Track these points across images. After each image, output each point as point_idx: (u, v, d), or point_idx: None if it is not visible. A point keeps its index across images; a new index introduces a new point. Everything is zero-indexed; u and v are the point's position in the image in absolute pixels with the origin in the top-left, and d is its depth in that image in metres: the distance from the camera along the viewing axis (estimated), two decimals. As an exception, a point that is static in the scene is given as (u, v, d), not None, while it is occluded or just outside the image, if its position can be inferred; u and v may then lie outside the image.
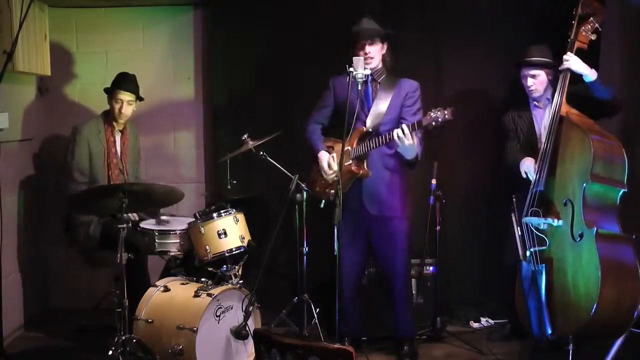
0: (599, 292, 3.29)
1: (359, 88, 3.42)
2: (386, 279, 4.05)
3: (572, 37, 3.71)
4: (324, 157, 3.96)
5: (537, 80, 3.96)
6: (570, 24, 3.72)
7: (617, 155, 3.52)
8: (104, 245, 4.15)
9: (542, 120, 4.01)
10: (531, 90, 3.99)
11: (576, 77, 3.72)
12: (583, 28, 3.70)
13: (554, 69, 3.88)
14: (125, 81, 4.29)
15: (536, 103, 4.04)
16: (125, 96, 4.27)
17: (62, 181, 4.35)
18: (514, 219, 3.73)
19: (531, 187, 3.68)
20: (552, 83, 3.95)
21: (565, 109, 3.66)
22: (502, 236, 4.01)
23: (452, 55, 4.66)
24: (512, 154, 4.07)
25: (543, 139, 3.93)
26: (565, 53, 3.70)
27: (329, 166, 3.93)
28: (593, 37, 3.72)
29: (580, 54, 3.70)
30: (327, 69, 4.11)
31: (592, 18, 3.70)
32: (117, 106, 4.27)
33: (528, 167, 3.86)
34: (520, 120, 4.07)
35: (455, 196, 4.53)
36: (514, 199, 3.74)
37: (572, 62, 3.67)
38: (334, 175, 3.87)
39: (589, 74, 3.69)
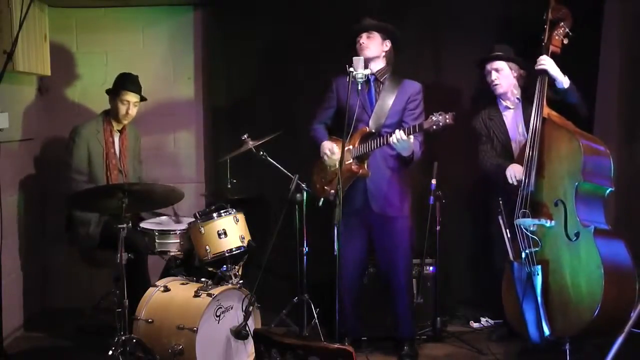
0: (603, 291, 3.28)
1: (359, 88, 3.40)
2: (387, 279, 4.05)
3: (545, 41, 3.74)
4: (326, 144, 3.99)
5: (500, 75, 3.96)
6: (543, 28, 3.75)
7: (604, 155, 3.54)
8: (104, 245, 4.15)
9: (515, 121, 4.01)
10: (495, 85, 3.98)
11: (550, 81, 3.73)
12: (556, 32, 3.75)
13: (520, 67, 3.92)
14: (130, 82, 4.29)
15: (505, 103, 4.03)
16: (132, 97, 4.27)
17: (62, 181, 4.34)
18: (501, 221, 3.72)
19: (520, 188, 3.66)
20: (519, 81, 3.96)
21: (546, 110, 3.66)
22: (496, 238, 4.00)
23: (452, 55, 4.65)
24: (489, 159, 4.03)
25: (515, 141, 3.97)
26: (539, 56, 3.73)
27: (331, 151, 3.93)
28: (565, 41, 3.75)
29: (554, 58, 3.72)
30: (327, 69, 4.12)
31: (562, 23, 3.75)
32: (123, 107, 4.26)
33: (517, 173, 3.75)
34: (492, 123, 4.05)
35: (455, 196, 4.52)
36: (501, 202, 3.73)
37: (549, 64, 3.68)
38: (337, 158, 3.79)
39: (563, 81, 3.70)
